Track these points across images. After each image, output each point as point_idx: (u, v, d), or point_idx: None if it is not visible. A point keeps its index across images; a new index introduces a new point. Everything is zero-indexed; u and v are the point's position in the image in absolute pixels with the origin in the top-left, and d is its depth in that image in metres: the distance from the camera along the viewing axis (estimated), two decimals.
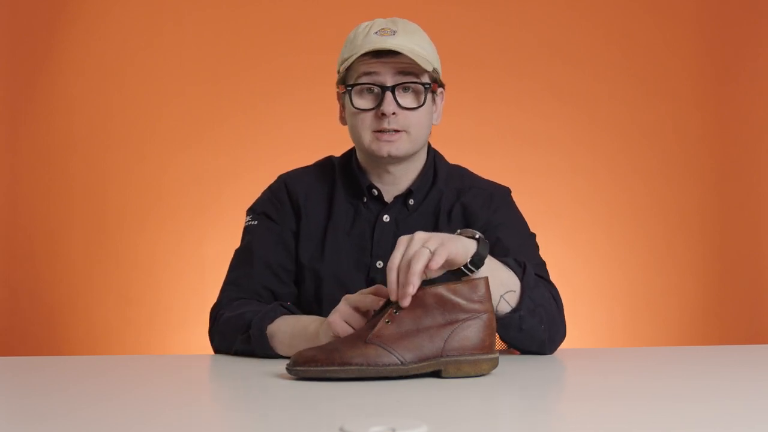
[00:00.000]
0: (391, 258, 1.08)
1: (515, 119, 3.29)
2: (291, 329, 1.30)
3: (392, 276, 1.06)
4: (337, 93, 1.49)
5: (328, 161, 1.58)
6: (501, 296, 1.20)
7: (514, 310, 1.22)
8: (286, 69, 3.29)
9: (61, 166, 3.33)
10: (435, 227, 1.47)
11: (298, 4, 3.33)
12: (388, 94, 1.38)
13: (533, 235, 1.53)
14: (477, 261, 1.11)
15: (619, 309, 3.22)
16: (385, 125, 1.39)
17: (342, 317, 1.18)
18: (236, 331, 1.36)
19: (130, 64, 3.33)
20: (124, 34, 3.34)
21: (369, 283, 1.45)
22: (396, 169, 1.48)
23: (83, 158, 3.33)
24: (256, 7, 3.33)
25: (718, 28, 3.33)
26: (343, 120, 1.51)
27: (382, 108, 1.39)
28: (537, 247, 1.51)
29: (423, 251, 1.06)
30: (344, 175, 1.52)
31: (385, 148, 1.41)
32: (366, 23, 1.45)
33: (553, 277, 1.44)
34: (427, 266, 1.05)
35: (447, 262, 1.09)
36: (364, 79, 1.40)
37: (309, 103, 3.12)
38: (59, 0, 3.35)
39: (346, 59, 1.41)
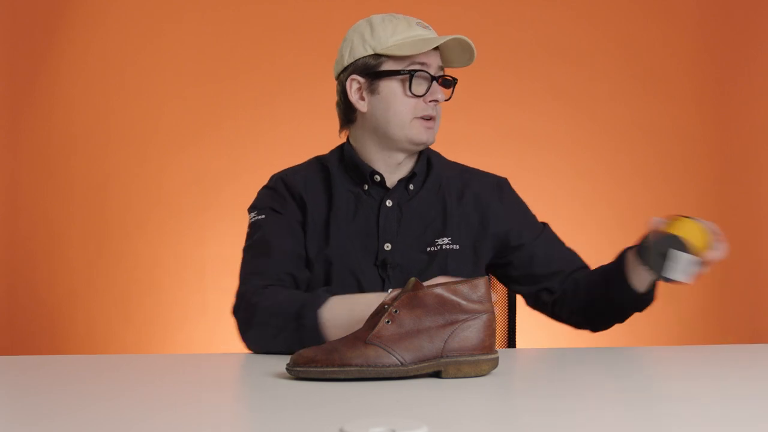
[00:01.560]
0: None
1: (515, 119, 3.29)
2: (350, 310, 1.27)
3: None
4: (351, 79, 1.49)
5: (316, 159, 1.61)
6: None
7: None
8: (286, 69, 3.29)
9: (61, 166, 3.33)
10: (443, 209, 1.52)
11: (298, 5, 3.33)
12: (436, 83, 1.48)
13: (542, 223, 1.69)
14: None
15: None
16: (432, 112, 1.48)
17: None
18: (285, 319, 1.30)
19: (130, 64, 3.33)
20: (124, 34, 3.34)
21: (379, 266, 1.48)
22: (405, 156, 1.53)
23: (83, 158, 3.33)
24: (256, 8, 3.32)
25: (718, 28, 3.33)
26: (349, 108, 1.52)
27: (436, 95, 1.47)
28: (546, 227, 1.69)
29: None
30: (342, 165, 1.55)
31: (427, 134, 1.49)
32: (389, 17, 1.48)
33: None
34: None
35: None
36: (417, 67, 1.46)
37: (309, 103, 3.12)
38: (59, 0, 3.35)
39: (406, 45, 1.44)
